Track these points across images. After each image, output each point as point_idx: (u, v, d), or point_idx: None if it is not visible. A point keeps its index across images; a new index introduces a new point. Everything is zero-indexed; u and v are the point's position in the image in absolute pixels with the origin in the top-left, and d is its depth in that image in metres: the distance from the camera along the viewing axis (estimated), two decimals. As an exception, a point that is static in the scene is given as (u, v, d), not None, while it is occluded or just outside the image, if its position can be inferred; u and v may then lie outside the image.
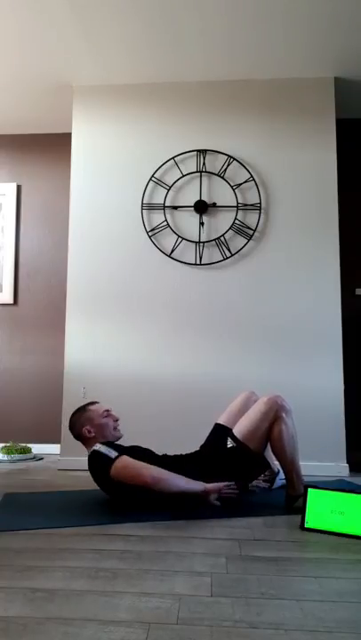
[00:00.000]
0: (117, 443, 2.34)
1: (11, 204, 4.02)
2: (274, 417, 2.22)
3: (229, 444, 2.29)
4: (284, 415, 2.21)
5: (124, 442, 2.39)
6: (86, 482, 2.39)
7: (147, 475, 2.07)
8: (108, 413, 2.39)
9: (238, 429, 2.30)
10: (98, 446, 2.23)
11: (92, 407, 2.40)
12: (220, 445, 2.34)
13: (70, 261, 3.39)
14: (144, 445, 2.40)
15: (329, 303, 3.21)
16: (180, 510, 2.11)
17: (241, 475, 2.27)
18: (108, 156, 3.45)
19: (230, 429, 2.36)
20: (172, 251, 3.32)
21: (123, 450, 2.22)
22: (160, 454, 2.37)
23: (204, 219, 3.34)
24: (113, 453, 2.15)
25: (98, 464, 2.19)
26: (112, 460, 2.13)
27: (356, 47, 3.09)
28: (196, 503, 2.13)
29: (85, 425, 2.34)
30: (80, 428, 2.34)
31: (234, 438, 2.28)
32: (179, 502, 2.12)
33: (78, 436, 2.37)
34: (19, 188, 4.04)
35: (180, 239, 3.32)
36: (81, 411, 2.40)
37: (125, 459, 2.14)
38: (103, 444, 2.25)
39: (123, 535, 1.83)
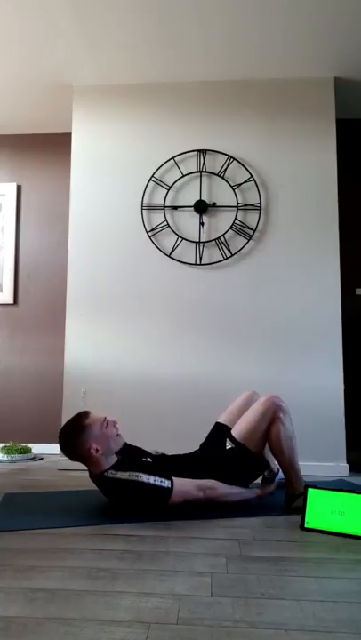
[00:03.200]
0: (123, 455, 2.18)
1: (11, 204, 4.02)
2: (271, 417, 2.22)
3: (228, 445, 2.29)
4: (281, 415, 2.22)
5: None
6: (86, 482, 2.39)
7: (203, 496, 2.10)
8: (107, 422, 2.14)
9: (237, 430, 2.30)
10: (142, 477, 2.03)
11: (88, 421, 2.10)
12: (219, 446, 2.34)
13: (70, 261, 3.39)
14: (144, 446, 2.40)
15: (329, 303, 3.21)
16: (181, 510, 2.11)
17: (241, 475, 2.27)
18: (108, 156, 3.45)
19: (230, 429, 2.36)
20: (172, 251, 3.32)
21: (151, 469, 2.09)
22: (159, 454, 2.36)
23: (204, 219, 3.34)
24: (165, 482, 2.04)
25: (150, 496, 2.03)
26: (170, 490, 2.03)
27: (356, 47, 3.09)
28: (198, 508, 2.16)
29: (90, 444, 2.06)
30: (86, 449, 2.07)
31: (232, 439, 2.28)
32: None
33: (81, 457, 2.11)
34: (19, 188, 4.04)
35: (180, 239, 3.32)
36: (78, 430, 2.09)
37: (179, 483, 2.06)
38: (137, 469, 2.06)
39: (123, 535, 1.83)
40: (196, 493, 2.09)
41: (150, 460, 2.24)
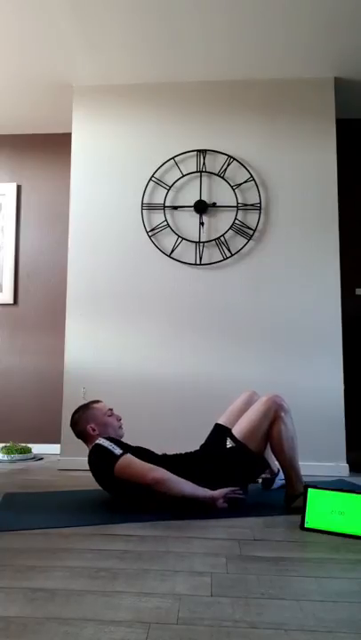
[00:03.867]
0: (123, 441, 2.33)
1: (11, 204, 4.02)
2: (273, 417, 2.22)
3: (229, 444, 2.29)
4: (283, 415, 2.21)
5: (125, 441, 2.39)
6: (86, 482, 2.40)
7: (150, 476, 2.06)
8: (111, 412, 2.40)
9: (238, 429, 2.30)
10: (101, 441, 2.22)
11: (96, 405, 2.40)
12: (219, 446, 2.34)
13: (70, 261, 3.39)
14: (144, 445, 2.40)
15: (329, 303, 3.21)
16: (181, 510, 2.10)
17: (241, 475, 2.27)
18: (108, 156, 3.45)
19: (230, 429, 2.36)
20: (172, 251, 3.32)
21: (127, 448, 2.22)
22: (160, 454, 2.37)
23: (204, 219, 3.34)
24: (118, 450, 2.14)
25: (101, 459, 2.17)
26: (117, 457, 2.12)
27: (356, 47, 3.09)
28: (202, 509, 2.10)
29: (90, 422, 2.33)
30: (84, 425, 2.33)
31: (233, 438, 2.28)
32: (180, 504, 2.11)
33: (81, 433, 2.35)
34: (19, 188, 4.04)
35: (180, 239, 3.32)
36: (85, 408, 2.39)
37: (130, 457, 2.14)
38: (107, 439, 2.24)
39: (123, 535, 1.83)
40: (144, 472, 2.07)
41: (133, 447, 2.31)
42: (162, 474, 2.08)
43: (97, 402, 2.44)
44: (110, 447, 2.17)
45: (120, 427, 2.40)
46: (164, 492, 2.07)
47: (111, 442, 2.21)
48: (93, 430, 2.32)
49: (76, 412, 2.42)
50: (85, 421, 2.34)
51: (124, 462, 2.11)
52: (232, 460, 2.25)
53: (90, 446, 2.31)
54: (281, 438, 2.20)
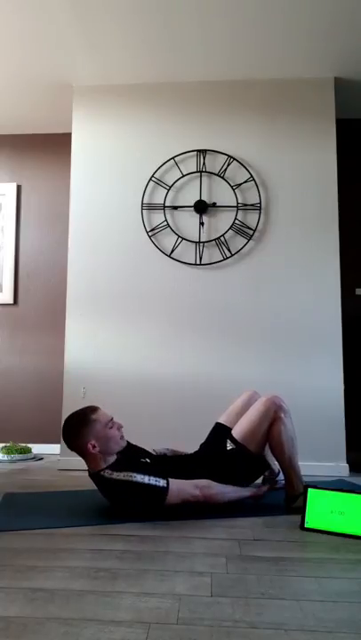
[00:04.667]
0: (122, 455, 2.18)
1: (11, 204, 4.02)
2: (272, 417, 2.21)
3: (229, 446, 2.29)
4: (282, 415, 2.21)
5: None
6: (86, 482, 2.39)
7: (201, 495, 2.09)
8: (112, 423, 2.14)
9: (237, 431, 2.30)
10: (133, 476, 2.02)
11: (95, 417, 2.11)
12: (219, 446, 2.33)
13: (70, 261, 3.39)
14: (144, 445, 2.40)
15: (329, 303, 3.21)
16: (181, 510, 2.10)
17: (241, 476, 2.26)
18: (108, 156, 3.45)
19: (230, 429, 2.36)
20: (172, 251, 3.32)
21: (149, 469, 2.09)
22: (164, 451, 2.37)
23: (204, 219, 3.34)
24: (160, 481, 2.02)
25: (146, 496, 2.02)
26: (166, 490, 2.02)
27: (357, 47, 3.09)
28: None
29: (90, 440, 2.06)
30: (83, 442, 2.07)
31: (233, 440, 2.28)
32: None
33: (78, 449, 2.11)
34: (19, 188, 4.04)
35: (180, 239, 3.32)
36: (83, 422, 2.10)
37: (175, 484, 2.05)
38: (133, 469, 2.05)
39: (123, 535, 1.83)
40: (193, 491, 2.08)
41: (148, 460, 2.23)
42: (211, 490, 2.11)
43: (95, 411, 2.14)
44: (153, 482, 2.01)
45: (121, 437, 2.17)
46: (212, 503, 2.11)
47: (138, 472, 2.04)
48: (94, 447, 2.07)
49: (71, 424, 2.12)
50: (84, 438, 2.07)
51: (174, 492, 2.03)
52: (232, 462, 2.25)
53: (92, 464, 2.11)
54: (281, 439, 2.20)
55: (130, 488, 2.02)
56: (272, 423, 2.22)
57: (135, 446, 2.30)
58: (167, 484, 2.03)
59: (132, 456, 2.20)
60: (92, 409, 2.16)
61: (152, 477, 2.03)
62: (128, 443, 2.24)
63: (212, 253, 3.32)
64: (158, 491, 2.02)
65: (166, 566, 1.53)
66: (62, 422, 3.17)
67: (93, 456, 2.09)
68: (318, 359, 3.18)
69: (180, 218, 3.36)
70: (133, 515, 2.05)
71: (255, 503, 2.25)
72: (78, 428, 2.09)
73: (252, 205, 3.32)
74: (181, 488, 2.06)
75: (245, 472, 2.28)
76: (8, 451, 3.47)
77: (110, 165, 3.44)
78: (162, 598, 1.29)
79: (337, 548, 1.71)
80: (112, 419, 2.16)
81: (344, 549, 1.70)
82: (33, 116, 3.84)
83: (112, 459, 2.13)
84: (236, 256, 3.30)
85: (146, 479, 2.01)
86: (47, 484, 2.72)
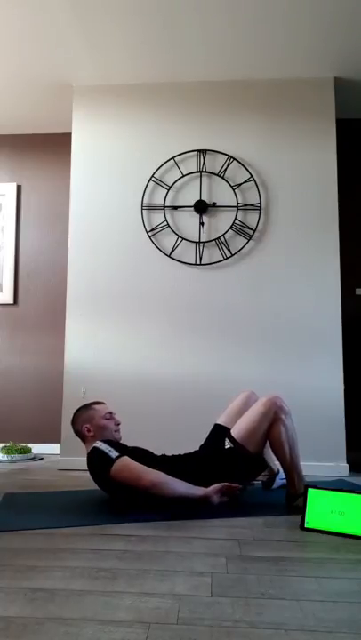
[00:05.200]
0: (120, 442, 2.34)
1: (11, 204, 4.02)
2: (273, 418, 2.21)
3: (227, 444, 2.29)
4: (283, 416, 2.21)
5: (125, 442, 2.39)
6: (86, 482, 2.39)
7: (146, 479, 2.06)
8: (110, 416, 2.38)
9: (236, 430, 2.29)
10: (99, 444, 2.22)
11: (96, 406, 2.40)
12: (218, 446, 2.34)
13: (70, 261, 3.39)
14: (144, 445, 2.40)
15: (329, 303, 3.21)
16: (181, 510, 2.10)
17: (239, 475, 2.26)
18: (108, 156, 3.45)
19: (229, 430, 2.36)
20: (172, 251, 3.32)
21: (124, 450, 2.22)
22: (159, 454, 2.37)
23: (204, 219, 3.34)
24: (114, 453, 2.15)
25: (97, 462, 2.18)
26: (113, 460, 2.12)
27: (356, 47, 3.09)
28: (198, 507, 2.10)
29: (86, 423, 2.34)
30: (80, 424, 2.35)
31: (231, 439, 2.28)
32: (176, 503, 2.11)
33: (77, 432, 2.38)
34: (19, 188, 4.04)
35: (180, 239, 3.32)
36: (84, 408, 2.41)
37: (126, 460, 2.13)
38: (104, 441, 2.24)
39: (123, 535, 1.83)
40: (141, 474, 2.07)
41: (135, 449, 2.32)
42: (156, 476, 2.07)
43: (98, 403, 2.44)
44: (107, 450, 2.17)
45: (117, 431, 2.38)
46: (159, 493, 2.06)
47: (109, 445, 2.21)
48: (89, 431, 2.32)
49: (77, 410, 2.44)
50: (83, 421, 2.35)
51: (119, 465, 2.11)
52: (230, 462, 2.25)
53: (87, 447, 2.32)
54: (281, 440, 2.20)
55: (92, 454, 2.21)
56: (272, 424, 2.21)
57: (140, 448, 2.33)
58: (118, 456, 2.13)
59: (127, 447, 2.30)
60: (97, 402, 2.47)
61: (112, 449, 2.17)
62: (136, 447, 2.33)
63: (212, 253, 3.32)
64: (106, 459, 2.13)
65: (166, 566, 1.53)
66: (62, 422, 3.21)
67: (88, 438, 2.33)
68: (318, 359, 3.18)
69: (180, 218, 3.36)
70: (101, 487, 2.23)
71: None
72: (80, 413, 2.39)
73: (252, 205, 3.32)
74: (130, 466, 2.10)
75: (243, 471, 2.28)
76: (8, 451, 3.47)
77: (110, 165, 3.44)
78: (162, 598, 1.29)
79: (337, 548, 1.71)
80: (112, 413, 2.40)
81: (344, 549, 1.70)
82: (33, 115, 3.84)
83: None
84: (236, 256, 3.30)
85: (103, 446, 2.19)
86: (47, 484, 2.72)
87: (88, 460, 2.25)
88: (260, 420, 2.23)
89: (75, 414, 2.42)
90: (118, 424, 2.40)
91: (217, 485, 2.12)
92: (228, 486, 2.13)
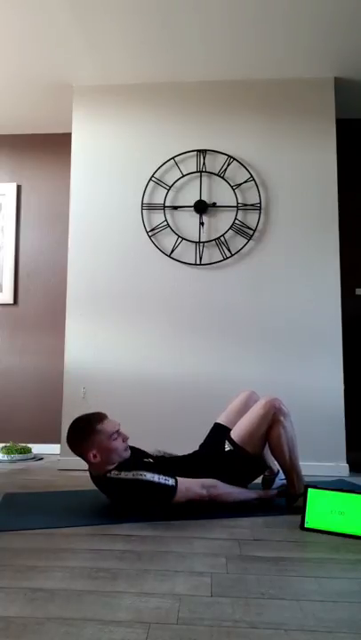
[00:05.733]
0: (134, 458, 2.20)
1: (11, 204, 4.02)
2: (272, 420, 2.21)
3: (227, 447, 2.29)
4: (282, 418, 2.21)
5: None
6: (86, 482, 2.39)
7: (207, 494, 2.10)
8: (117, 434, 2.12)
9: (236, 432, 2.29)
10: (146, 475, 2.02)
11: (101, 427, 2.09)
12: (218, 447, 2.33)
13: (70, 261, 3.39)
14: (144, 446, 2.40)
15: (329, 303, 3.21)
16: (181, 510, 2.10)
17: (240, 477, 2.26)
18: (108, 157, 3.45)
19: (229, 430, 2.36)
20: (172, 251, 3.32)
21: (155, 468, 2.10)
22: (158, 454, 2.36)
23: (204, 219, 3.34)
24: (169, 480, 2.04)
25: (153, 493, 2.03)
26: (174, 487, 2.03)
27: (356, 47, 3.09)
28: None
29: (92, 449, 2.07)
30: (85, 451, 2.08)
31: (231, 441, 2.28)
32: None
33: (80, 455, 2.12)
34: (19, 188, 4.04)
35: (180, 239, 3.32)
36: (87, 432, 2.09)
37: (183, 483, 2.07)
38: (141, 468, 2.06)
39: (123, 535, 1.83)
40: (200, 491, 2.09)
41: (152, 460, 2.24)
42: (217, 489, 2.14)
43: (101, 421, 2.12)
44: (161, 480, 2.02)
45: (126, 449, 2.15)
46: (217, 502, 2.12)
47: (146, 471, 2.05)
48: (95, 457, 2.07)
49: (75, 430, 2.12)
50: (87, 447, 2.07)
51: (182, 490, 2.05)
52: (230, 462, 2.25)
53: (92, 469, 2.13)
54: (280, 442, 2.20)
55: (139, 487, 2.02)
56: (271, 426, 2.21)
57: (135, 448, 2.30)
58: (176, 482, 2.04)
59: (135, 456, 2.21)
60: (99, 418, 2.13)
61: (161, 476, 2.04)
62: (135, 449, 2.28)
63: (212, 253, 3.32)
64: (167, 489, 2.03)
65: (166, 566, 1.53)
66: (62, 422, 3.20)
67: (93, 464, 2.11)
68: (318, 359, 3.18)
69: (180, 218, 3.36)
70: (139, 512, 2.06)
71: (260, 504, 2.25)
72: (82, 436, 2.09)
73: (252, 205, 3.32)
74: (189, 487, 2.08)
75: (243, 473, 2.28)
76: (8, 451, 3.47)
77: (110, 165, 3.44)
78: (162, 598, 1.29)
79: (337, 548, 1.71)
80: (118, 430, 2.13)
81: (344, 549, 1.70)
82: (33, 115, 3.84)
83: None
84: (236, 256, 3.30)
85: (156, 478, 2.02)
86: (47, 484, 2.72)
87: (127, 489, 2.05)
88: (260, 422, 2.23)
89: (75, 437, 2.11)
90: (126, 439, 2.15)
91: (270, 492, 2.31)
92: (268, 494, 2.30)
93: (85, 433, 2.09)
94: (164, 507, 2.06)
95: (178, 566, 1.53)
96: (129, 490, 2.05)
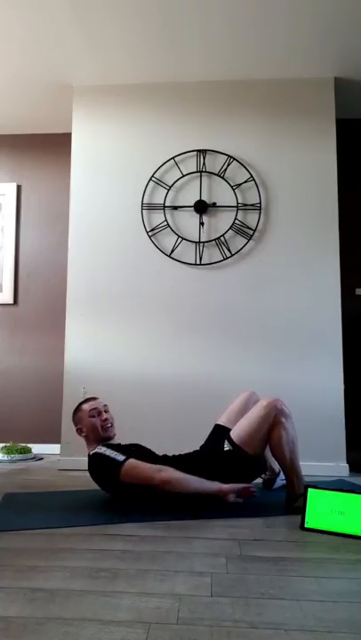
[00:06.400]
0: (117, 443, 2.34)
1: (11, 204, 4.02)
2: (273, 421, 2.20)
3: (226, 447, 2.29)
4: (283, 420, 2.20)
5: (124, 441, 2.39)
6: (86, 482, 2.39)
7: (158, 477, 2.09)
8: (96, 412, 2.37)
9: (236, 433, 2.29)
10: (102, 449, 2.24)
11: (83, 406, 2.42)
12: (218, 447, 2.33)
13: (70, 261, 3.39)
14: (145, 445, 2.40)
15: (329, 303, 3.21)
16: (180, 510, 2.10)
17: (239, 477, 2.26)
18: (108, 156, 3.45)
19: (229, 430, 2.35)
20: (172, 251, 3.32)
21: (127, 451, 2.23)
22: (160, 454, 2.36)
23: (204, 219, 3.34)
24: (120, 457, 2.16)
25: (103, 467, 2.20)
26: (121, 463, 2.13)
27: (356, 47, 3.09)
28: (212, 503, 2.13)
29: (77, 424, 2.40)
30: (76, 428, 2.41)
31: (231, 442, 2.28)
32: (188, 500, 2.13)
33: (77, 432, 2.42)
34: (19, 188, 4.04)
35: (180, 239, 3.32)
36: (74, 412, 2.45)
37: (134, 462, 2.15)
38: (107, 445, 2.26)
39: (123, 535, 1.83)
40: (151, 473, 2.11)
41: (135, 447, 2.34)
42: (169, 473, 2.11)
43: (86, 401, 2.45)
44: (113, 455, 2.19)
45: (104, 427, 2.35)
46: (172, 490, 2.10)
47: (111, 449, 2.23)
48: (81, 432, 2.38)
49: (73, 410, 2.49)
50: (75, 424, 2.42)
51: (129, 467, 2.13)
52: (230, 463, 2.25)
53: (88, 448, 2.35)
54: (281, 443, 2.20)
55: (95, 459, 2.23)
56: (273, 427, 2.21)
57: (137, 444, 2.34)
58: (125, 460, 2.14)
59: (125, 445, 2.33)
60: (86, 399, 2.47)
61: (116, 452, 2.18)
62: (137, 445, 2.36)
63: (212, 253, 3.32)
64: (114, 463, 2.14)
65: (166, 566, 1.53)
66: (62, 422, 3.20)
67: (85, 439, 2.37)
68: (318, 359, 3.18)
69: (180, 218, 3.36)
70: (106, 490, 2.26)
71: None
72: (73, 416, 2.45)
73: (252, 205, 3.32)
74: (139, 467, 2.12)
75: (242, 473, 2.27)
76: (8, 451, 3.47)
77: (110, 165, 3.44)
78: (162, 598, 1.29)
79: (337, 548, 1.71)
80: (96, 408, 2.38)
81: (344, 549, 1.70)
82: (33, 115, 3.84)
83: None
84: (236, 256, 3.30)
85: (108, 452, 2.21)
86: (47, 484, 2.72)
87: (91, 464, 2.27)
88: (261, 423, 2.22)
89: (73, 413, 2.47)
90: (105, 420, 2.37)
91: (235, 485, 2.17)
92: (245, 488, 2.17)
93: (74, 413, 2.45)
94: (114, 482, 2.15)
95: (178, 566, 1.53)
96: (91, 464, 2.26)
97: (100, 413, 2.38)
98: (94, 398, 2.47)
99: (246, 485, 2.19)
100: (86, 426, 2.35)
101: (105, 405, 2.43)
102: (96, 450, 2.27)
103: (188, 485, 2.12)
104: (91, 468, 2.28)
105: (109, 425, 2.38)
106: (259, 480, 2.53)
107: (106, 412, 2.41)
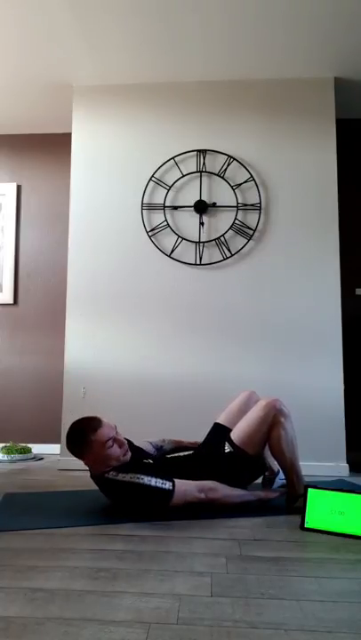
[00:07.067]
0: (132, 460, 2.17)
1: (11, 204, 4.02)
2: (272, 421, 2.20)
3: (227, 448, 2.29)
4: (282, 420, 2.20)
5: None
6: (86, 482, 2.39)
7: (204, 498, 2.08)
8: (113, 441, 2.07)
9: (236, 434, 2.29)
10: (143, 478, 2.01)
11: (93, 437, 2.05)
12: (218, 447, 2.33)
13: (70, 261, 3.39)
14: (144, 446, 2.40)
15: (329, 303, 3.21)
16: (181, 510, 2.10)
17: (239, 478, 2.26)
18: (107, 157, 3.45)
19: (229, 430, 2.35)
20: (172, 251, 3.32)
21: (153, 470, 2.09)
22: (154, 446, 2.36)
23: (204, 219, 3.34)
24: (166, 484, 2.02)
25: (150, 497, 2.02)
26: (171, 491, 2.01)
27: (356, 47, 3.09)
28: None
29: (86, 458, 2.09)
30: (81, 458, 2.11)
31: (231, 443, 2.28)
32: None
33: (80, 459, 2.14)
34: (19, 188, 4.04)
35: (180, 239, 3.32)
36: (81, 442, 2.07)
37: (182, 485, 2.04)
38: (133, 471, 2.05)
39: (123, 535, 1.83)
40: (198, 494, 2.07)
41: (151, 461, 2.23)
42: (214, 493, 2.10)
43: (95, 431, 2.06)
44: (158, 484, 2.01)
45: (124, 453, 2.11)
46: (216, 504, 2.11)
47: (141, 473, 2.03)
48: (92, 466, 2.12)
49: (72, 439, 2.10)
50: (83, 455, 2.09)
51: (179, 493, 2.02)
52: (230, 464, 2.25)
53: (97, 472, 2.11)
54: (281, 443, 2.20)
55: (136, 489, 2.01)
56: (272, 427, 2.21)
57: (137, 446, 2.30)
58: (173, 486, 2.02)
59: (136, 457, 2.19)
60: (93, 427, 2.08)
61: (158, 480, 2.02)
62: (130, 443, 2.24)
63: (212, 253, 3.32)
64: (164, 493, 2.01)
65: (166, 566, 1.53)
66: (62, 422, 3.20)
67: (93, 466, 2.12)
68: (318, 359, 3.18)
69: (180, 218, 3.36)
70: (136, 515, 2.05)
71: (260, 505, 2.23)
72: (77, 446, 2.09)
73: (252, 205, 3.32)
74: (187, 490, 2.05)
75: (243, 474, 2.27)
76: (8, 451, 3.47)
77: (110, 165, 3.44)
78: (162, 598, 1.29)
79: (337, 548, 1.71)
80: (113, 437, 2.07)
81: (344, 549, 1.70)
82: (33, 115, 3.84)
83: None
84: (236, 256, 3.30)
85: (153, 481, 2.01)
86: (47, 484, 2.72)
87: (122, 490, 2.05)
88: (260, 423, 2.22)
89: (72, 444, 2.09)
90: (123, 445, 2.11)
91: (271, 494, 2.27)
92: (274, 492, 2.29)
93: (81, 444, 2.07)
94: (162, 510, 2.04)
95: (178, 566, 1.53)
96: (126, 492, 2.04)
97: (116, 440, 2.09)
98: (98, 420, 2.11)
99: (269, 493, 2.27)
100: (100, 458, 2.06)
101: (115, 426, 2.16)
102: (131, 479, 2.02)
103: (233, 501, 2.15)
104: (121, 495, 2.07)
105: (127, 447, 2.14)
106: (258, 480, 2.53)
107: (117, 432, 2.13)
